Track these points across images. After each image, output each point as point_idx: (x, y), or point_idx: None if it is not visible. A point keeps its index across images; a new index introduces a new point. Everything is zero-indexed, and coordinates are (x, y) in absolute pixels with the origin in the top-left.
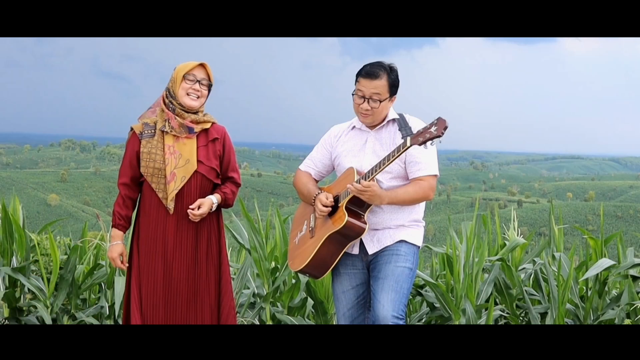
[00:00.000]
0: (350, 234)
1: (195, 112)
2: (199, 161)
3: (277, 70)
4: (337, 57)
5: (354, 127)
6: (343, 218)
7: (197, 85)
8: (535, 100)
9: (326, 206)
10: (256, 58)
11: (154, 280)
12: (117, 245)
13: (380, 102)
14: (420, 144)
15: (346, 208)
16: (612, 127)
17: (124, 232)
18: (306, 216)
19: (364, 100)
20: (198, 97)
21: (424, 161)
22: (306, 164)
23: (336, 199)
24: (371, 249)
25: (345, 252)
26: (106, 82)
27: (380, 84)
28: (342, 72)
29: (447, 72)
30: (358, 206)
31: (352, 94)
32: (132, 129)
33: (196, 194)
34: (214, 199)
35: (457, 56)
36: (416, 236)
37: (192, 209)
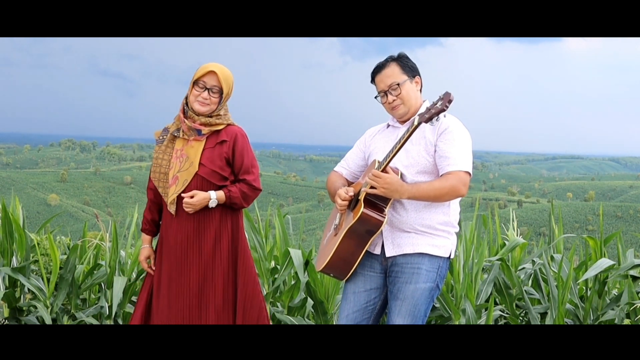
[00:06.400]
0: (367, 227)
1: (210, 115)
2: (200, 163)
3: (277, 70)
4: (337, 57)
5: (388, 125)
6: (359, 209)
7: (205, 94)
8: (536, 100)
9: (345, 200)
10: (256, 58)
11: (158, 282)
12: (144, 248)
13: (400, 85)
14: (426, 121)
15: (365, 200)
16: (612, 127)
17: (152, 236)
18: (334, 217)
19: (386, 95)
20: (207, 104)
21: (454, 156)
22: (340, 164)
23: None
24: (389, 252)
25: (366, 251)
26: (105, 82)
27: (391, 71)
28: (342, 72)
29: (449, 71)
30: (379, 198)
31: (376, 98)
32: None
33: None
34: (212, 194)
35: (460, 55)
36: (443, 246)
37: (185, 197)
